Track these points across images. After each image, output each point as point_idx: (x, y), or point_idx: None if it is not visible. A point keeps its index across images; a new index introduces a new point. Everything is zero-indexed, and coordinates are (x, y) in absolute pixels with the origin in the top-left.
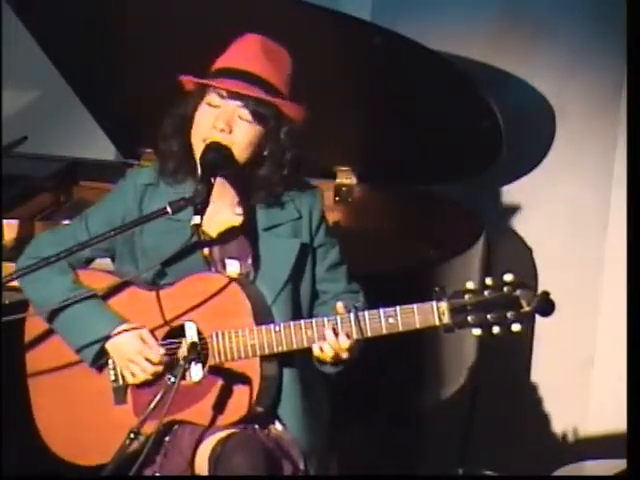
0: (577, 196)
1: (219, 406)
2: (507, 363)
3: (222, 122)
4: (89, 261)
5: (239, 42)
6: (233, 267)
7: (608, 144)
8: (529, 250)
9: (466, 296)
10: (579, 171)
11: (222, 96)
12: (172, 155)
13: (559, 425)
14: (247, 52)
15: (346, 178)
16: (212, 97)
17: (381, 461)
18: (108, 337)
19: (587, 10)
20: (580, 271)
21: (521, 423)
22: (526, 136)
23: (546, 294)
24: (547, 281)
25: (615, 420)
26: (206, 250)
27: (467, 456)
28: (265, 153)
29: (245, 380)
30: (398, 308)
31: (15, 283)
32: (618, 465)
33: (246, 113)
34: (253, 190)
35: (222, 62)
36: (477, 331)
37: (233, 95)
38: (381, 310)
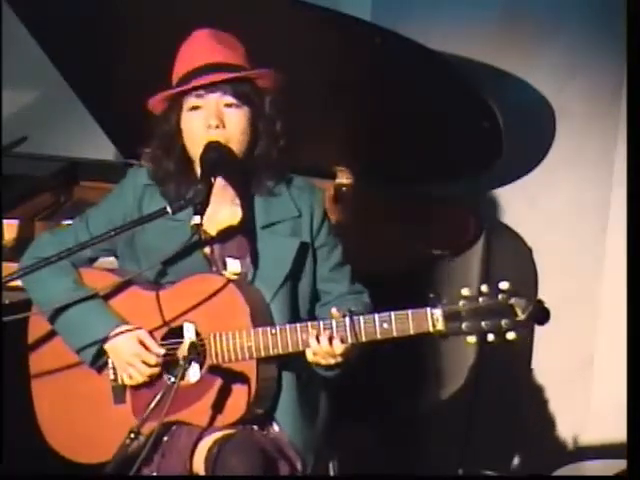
0: (577, 196)
1: (217, 407)
2: (507, 363)
3: (213, 119)
4: (92, 261)
5: (190, 42)
6: (234, 266)
7: (608, 144)
8: (529, 250)
9: (460, 303)
10: (579, 171)
11: (200, 95)
12: (170, 176)
13: (559, 425)
14: (202, 47)
15: (346, 178)
16: (191, 100)
17: (381, 461)
18: (106, 339)
19: (587, 10)
20: (580, 271)
21: (521, 423)
22: (526, 136)
23: (540, 302)
24: (547, 281)
25: (615, 420)
26: (207, 249)
27: (467, 456)
28: (259, 130)
29: (243, 381)
30: (392, 313)
31: (16, 283)
32: (618, 465)
33: (229, 98)
34: (255, 174)
35: (183, 67)
36: (472, 338)
37: (210, 88)
38: (376, 315)
